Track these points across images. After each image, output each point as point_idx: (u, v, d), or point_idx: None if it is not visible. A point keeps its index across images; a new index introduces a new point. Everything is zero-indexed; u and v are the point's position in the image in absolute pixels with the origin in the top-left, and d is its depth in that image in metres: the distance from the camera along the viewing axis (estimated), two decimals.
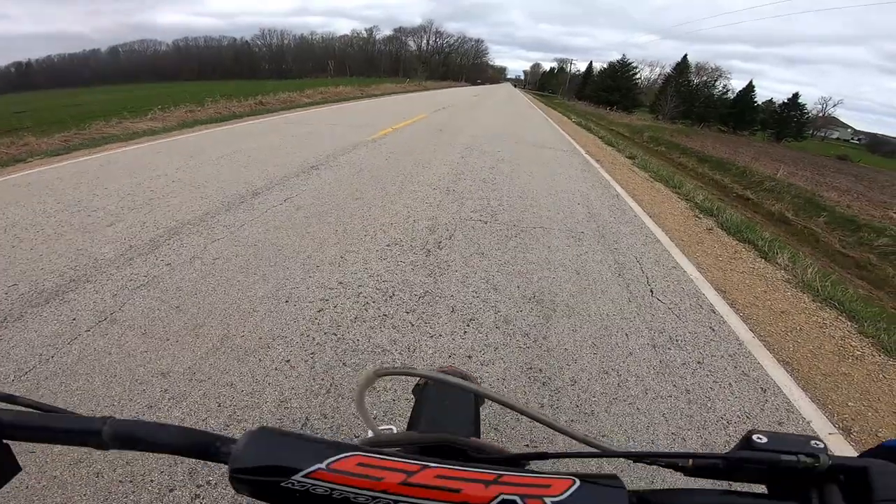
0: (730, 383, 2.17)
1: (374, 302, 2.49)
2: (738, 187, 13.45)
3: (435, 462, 0.30)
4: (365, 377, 0.39)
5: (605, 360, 2.20)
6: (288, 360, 1.94)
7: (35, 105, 25.95)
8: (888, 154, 62.59)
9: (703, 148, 21.67)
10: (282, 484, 0.29)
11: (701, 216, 5.48)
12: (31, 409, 0.35)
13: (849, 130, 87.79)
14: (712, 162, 17.52)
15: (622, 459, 0.33)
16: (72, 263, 2.68)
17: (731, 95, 57.25)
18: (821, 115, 73.44)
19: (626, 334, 2.46)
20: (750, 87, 55.54)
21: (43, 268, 2.62)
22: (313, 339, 2.10)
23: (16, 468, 0.35)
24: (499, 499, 0.29)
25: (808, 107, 57.66)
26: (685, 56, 59.94)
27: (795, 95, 53.98)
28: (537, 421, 0.39)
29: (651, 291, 3.06)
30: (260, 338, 2.07)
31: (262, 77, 72.82)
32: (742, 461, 0.32)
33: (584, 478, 0.30)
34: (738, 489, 0.33)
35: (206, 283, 2.53)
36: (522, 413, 0.38)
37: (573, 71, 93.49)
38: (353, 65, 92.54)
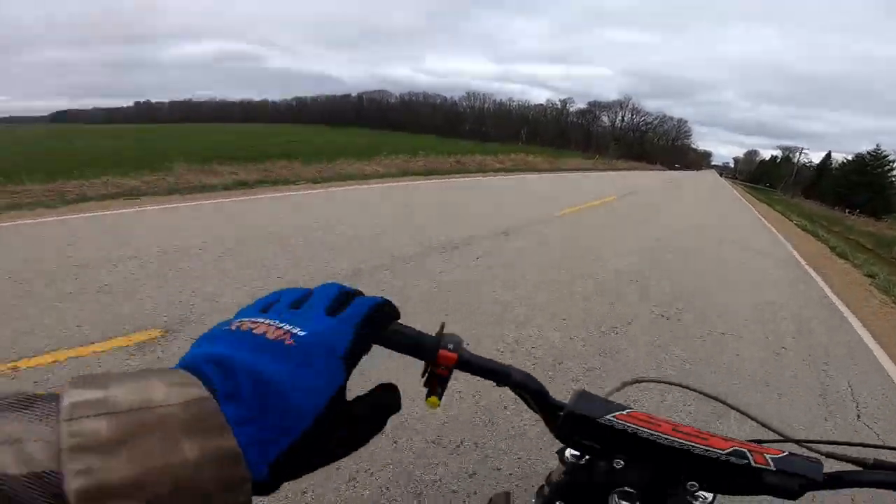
0: None
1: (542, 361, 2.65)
2: None
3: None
4: (625, 381, 0.61)
5: None
6: (458, 392, 2.24)
7: (302, 138, 34.57)
8: None
9: None
10: (598, 420, 0.48)
11: None
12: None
13: None
14: None
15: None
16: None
17: None
18: None
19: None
20: None
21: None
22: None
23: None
24: (731, 449, 0.46)
25: None
26: None
27: None
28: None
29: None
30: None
31: (463, 136, 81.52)
32: None
33: (793, 452, 0.47)
34: None
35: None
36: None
37: (802, 162, 79.85)
38: (544, 134, 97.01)
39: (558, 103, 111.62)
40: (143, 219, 5.22)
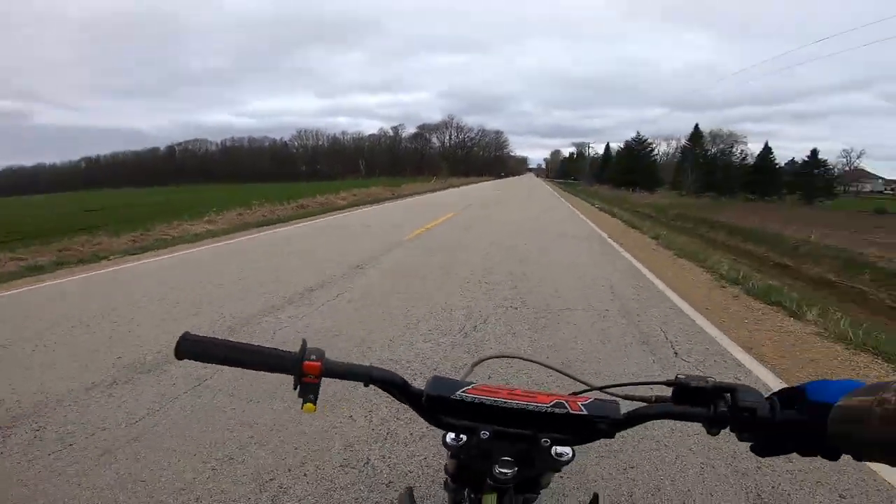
0: None
1: (420, 373, 2.82)
2: (775, 255, 13.32)
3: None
4: (475, 360, 0.79)
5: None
6: (350, 416, 2.26)
7: (103, 203, 28.85)
8: None
9: (733, 219, 21.67)
10: (451, 396, 0.57)
11: (727, 285, 5.61)
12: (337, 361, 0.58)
13: (880, 181, 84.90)
14: (744, 233, 17.44)
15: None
16: (170, 340, 3.16)
17: (750, 161, 56.73)
18: (847, 168, 71.88)
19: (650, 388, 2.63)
20: (767, 150, 55.04)
21: (142, 345, 3.14)
22: (371, 400, 2.42)
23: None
24: (555, 401, 0.57)
25: (832, 161, 56.30)
26: (696, 125, 60.43)
27: (814, 152, 52.83)
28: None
29: (675, 353, 3.24)
30: (328, 399, 2.42)
31: (299, 178, 77.85)
32: (671, 384, 0.58)
33: (596, 398, 0.59)
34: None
35: None
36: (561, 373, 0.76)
37: (592, 154, 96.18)
38: (381, 164, 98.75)
39: (390, 131, 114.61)
40: None
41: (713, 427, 0.56)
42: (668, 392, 0.59)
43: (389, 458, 1.97)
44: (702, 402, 0.56)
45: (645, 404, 0.60)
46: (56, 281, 5.37)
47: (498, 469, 0.55)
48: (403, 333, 3.52)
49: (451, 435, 0.59)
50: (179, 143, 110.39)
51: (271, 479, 1.83)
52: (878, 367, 3.16)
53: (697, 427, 2.14)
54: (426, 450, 2.02)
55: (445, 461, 0.66)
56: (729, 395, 0.54)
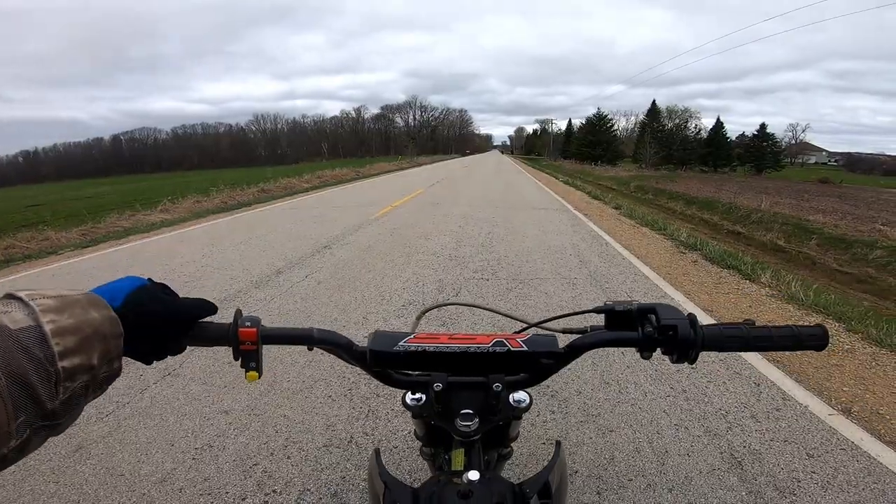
0: (724, 382, 2.42)
1: None
2: (728, 223, 13.91)
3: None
4: (419, 312, 0.76)
5: (604, 373, 2.46)
6: (330, 396, 2.24)
7: (45, 199, 26.91)
8: (867, 171, 64.87)
9: (689, 190, 22.42)
10: (394, 349, 0.56)
11: (686, 251, 5.84)
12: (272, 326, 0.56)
13: (824, 153, 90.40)
14: (700, 203, 18.11)
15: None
16: None
17: (704, 135, 59.38)
18: (793, 142, 76.28)
19: (622, 353, 2.72)
20: (719, 125, 57.64)
21: None
22: (349, 378, 2.40)
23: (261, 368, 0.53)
24: (495, 340, 0.56)
25: (779, 135, 60.12)
26: (654, 101, 63.48)
27: (762, 126, 55.98)
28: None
29: None
30: (303, 381, 2.38)
31: (259, 163, 75.00)
32: (600, 311, 0.59)
33: (535, 333, 0.59)
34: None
35: None
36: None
37: (555, 130, 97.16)
38: (345, 145, 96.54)
39: (353, 112, 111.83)
40: None
41: (645, 350, 0.57)
42: (601, 322, 0.60)
43: (373, 434, 1.97)
44: (633, 326, 0.57)
45: (581, 335, 0.61)
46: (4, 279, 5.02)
47: (459, 423, 0.55)
48: (376, 311, 3.49)
49: (409, 395, 0.59)
50: (125, 133, 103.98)
51: (255, 465, 1.80)
52: (831, 327, 3.35)
53: (668, 389, 2.25)
54: (409, 424, 2.02)
55: (413, 429, 0.65)
56: (653, 315, 0.55)
